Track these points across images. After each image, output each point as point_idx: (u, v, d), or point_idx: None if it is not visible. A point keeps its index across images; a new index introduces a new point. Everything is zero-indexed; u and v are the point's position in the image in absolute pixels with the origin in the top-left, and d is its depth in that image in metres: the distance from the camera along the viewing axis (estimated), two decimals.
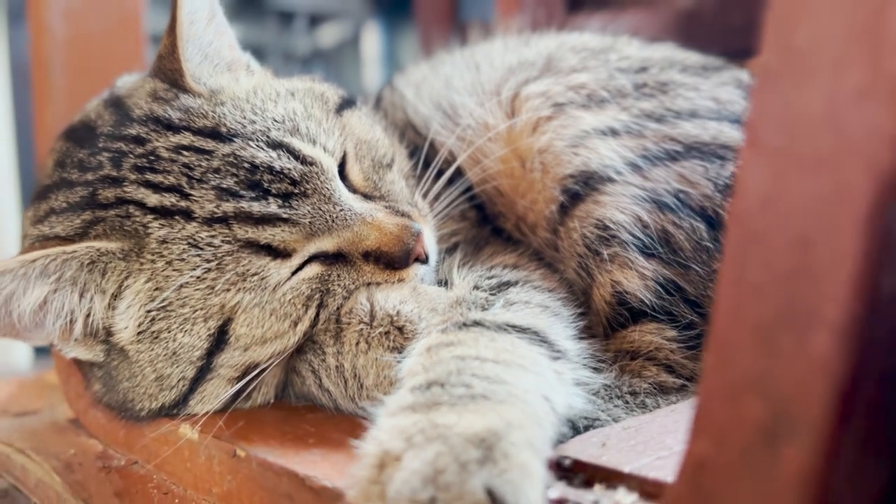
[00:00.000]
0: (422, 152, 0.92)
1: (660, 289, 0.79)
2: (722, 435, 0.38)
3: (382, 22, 3.34)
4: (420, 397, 0.57)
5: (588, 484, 0.56)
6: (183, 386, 0.75)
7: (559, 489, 0.54)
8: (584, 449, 0.60)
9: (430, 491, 0.47)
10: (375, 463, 0.51)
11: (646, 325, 0.80)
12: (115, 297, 0.75)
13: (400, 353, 0.71)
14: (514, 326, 0.68)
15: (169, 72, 0.80)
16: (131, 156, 0.75)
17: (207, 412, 0.76)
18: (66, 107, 0.95)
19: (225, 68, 0.83)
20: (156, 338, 0.74)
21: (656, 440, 0.61)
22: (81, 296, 0.74)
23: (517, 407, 0.55)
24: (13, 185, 2.27)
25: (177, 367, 0.74)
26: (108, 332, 0.76)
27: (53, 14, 0.95)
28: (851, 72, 0.34)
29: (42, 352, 2.33)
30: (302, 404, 0.80)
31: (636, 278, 0.80)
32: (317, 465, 0.64)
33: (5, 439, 0.91)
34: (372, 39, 3.32)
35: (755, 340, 0.37)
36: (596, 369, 0.73)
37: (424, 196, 0.88)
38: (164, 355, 0.74)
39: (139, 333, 0.74)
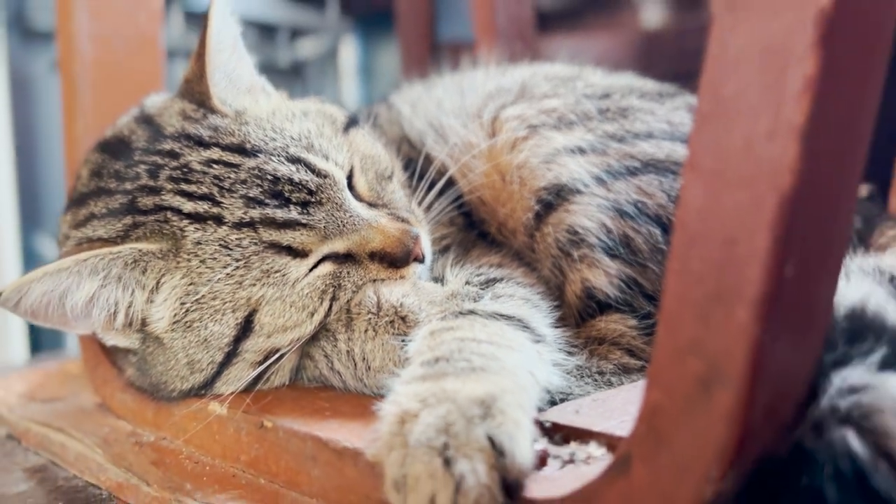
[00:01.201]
0: (417, 164, 1.04)
1: (622, 284, 0.92)
2: (670, 386, 0.51)
3: (360, 37, 3.46)
4: (429, 370, 0.69)
5: (565, 441, 0.68)
6: (212, 369, 0.86)
7: (542, 443, 0.66)
8: (561, 415, 0.72)
9: (444, 438, 0.59)
10: (396, 420, 0.63)
11: (611, 316, 0.93)
12: (153, 291, 0.85)
13: (403, 339, 0.83)
14: (501, 315, 0.81)
15: (197, 94, 0.91)
16: (167, 168, 0.86)
17: (232, 393, 0.87)
18: (94, 121, 1.05)
19: (246, 91, 0.95)
20: (189, 327, 0.85)
21: (621, 408, 0.74)
22: (124, 290, 0.85)
23: (509, 378, 0.67)
24: (12, 192, 2.34)
25: (207, 352, 0.85)
26: (145, 323, 0.87)
27: (82, 38, 1.05)
28: (762, 118, 0.46)
29: (37, 349, 2.40)
30: (314, 386, 0.91)
31: (602, 276, 0.92)
32: (336, 431, 0.75)
33: (41, 420, 1.00)
34: (349, 53, 3.44)
35: (694, 315, 0.49)
36: (569, 353, 0.85)
37: (419, 204, 1.00)
38: (196, 342, 0.85)
39: (174, 323, 0.85)
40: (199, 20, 2.71)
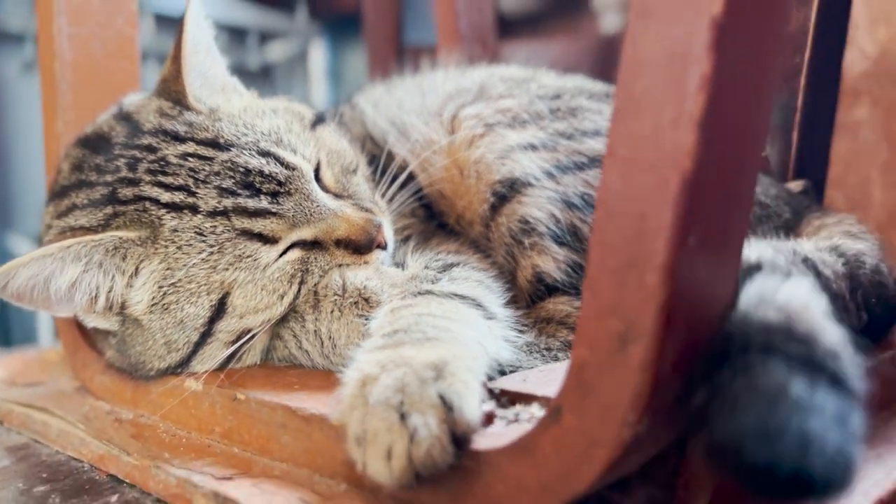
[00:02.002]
0: (380, 161, 1.12)
1: (569, 269, 1.00)
2: (594, 343, 0.58)
3: (328, 41, 3.53)
4: (388, 340, 0.76)
5: (511, 403, 0.76)
6: (188, 348, 0.92)
7: (490, 406, 0.74)
8: (509, 383, 0.79)
9: (400, 397, 0.66)
10: (358, 384, 0.70)
11: (558, 298, 1.00)
12: (132, 276, 0.91)
13: (366, 318, 0.90)
14: (457, 295, 0.88)
15: (174, 93, 0.98)
16: (145, 161, 0.92)
17: (206, 371, 0.93)
18: (73, 118, 1.11)
19: (219, 90, 1.01)
20: (166, 309, 0.91)
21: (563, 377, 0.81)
22: (105, 275, 0.91)
23: (460, 346, 0.75)
24: None
25: (183, 332, 0.91)
26: (125, 306, 0.93)
27: (61, 39, 1.10)
28: (667, 110, 0.54)
29: (8, 343, 2.43)
30: (284, 365, 0.98)
31: (551, 262, 1.00)
32: (304, 401, 0.82)
33: (23, 402, 1.06)
34: (318, 57, 3.51)
35: (612, 281, 0.57)
36: (520, 331, 0.93)
37: (383, 196, 1.07)
38: (173, 323, 0.91)
39: (152, 305, 0.91)
40: (169, 24, 2.76)
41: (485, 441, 0.67)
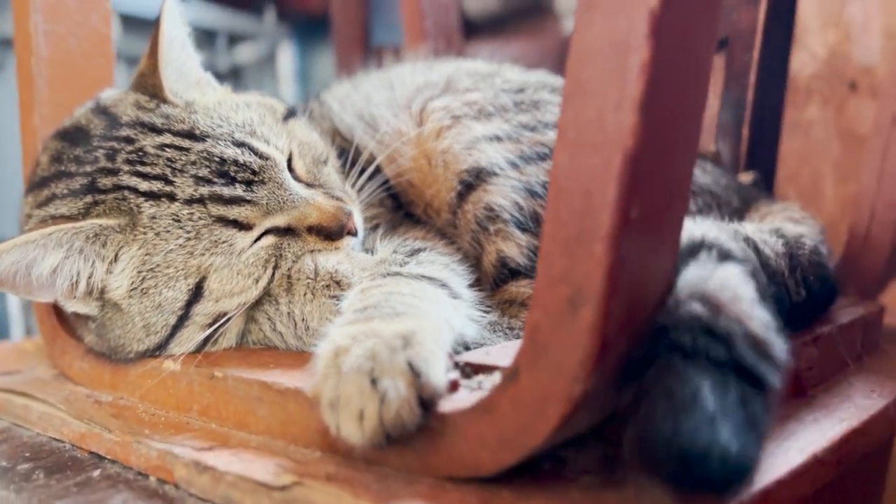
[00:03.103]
0: (348, 154, 1.16)
1: (531, 254, 1.05)
2: (547, 308, 0.64)
3: (296, 42, 3.57)
4: (359, 315, 0.81)
5: (475, 373, 0.81)
6: (166, 331, 0.96)
7: (455, 375, 0.79)
8: (473, 356, 0.84)
9: (371, 364, 0.70)
10: (331, 355, 0.74)
11: (521, 281, 1.06)
12: (112, 262, 0.95)
13: (337, 300, 0.94)
14: (424, 276, 0.93)
15: (150, 87, 1.02)
16: (124, 152, 0.96)
17: (183, 353, 0.97)
18: (50, 112, 1.14)
19: (195, 84, 1.05)
20: (145, 293, 0.95)
21: None
22: (85, 262, 0.94)
23: (427, 320, 0.79)
24: None
25: (161, 316, 0.95)
26: (105, 291, 0.96)
27: (38, 36, 1.14)
28: (610, 95, 0.60)
29: None
30: (258, 347, 1.02)
31: (514, 247, 1.06)
32: (279, 377, 0.86)
33: (3, 387, 1.09)
34: (286, 58, 3.55)
35: (563, 250, 0.62)
36: (484, 311, 0.98)
37: (352, 187, 1.12)
38: (152, 307, 0.95)
39: (131, 290, 0.95)
40: (136, 24, 2.77)
41: (449, 405, 0.72)
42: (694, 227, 0.82)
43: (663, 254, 0.68)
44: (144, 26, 2.38)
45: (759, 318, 0.69)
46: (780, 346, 0.68)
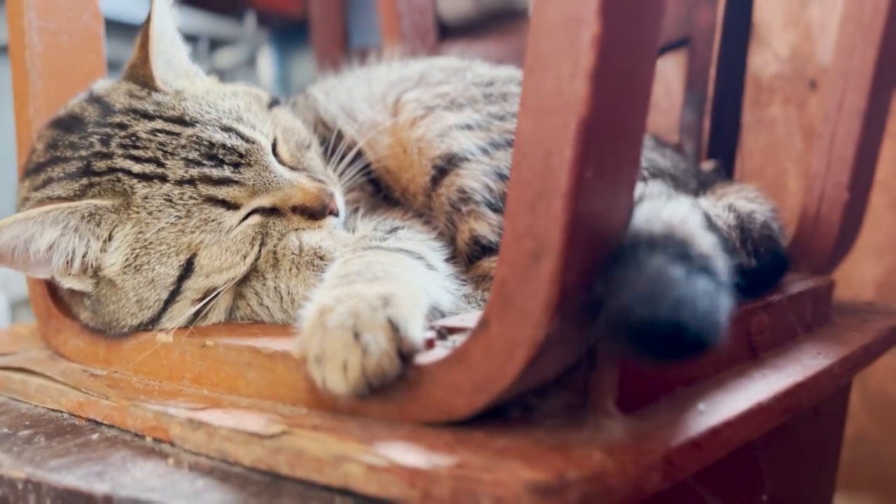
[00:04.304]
0: (330, 142, 1.23)
1: (501, 232, 1.12)
2: (512, 261, 0.70)
3: (276, 48, 3.64)
4: (342, 280, 0.87)
5: (450, 334, 0.87)
6: (158, 306, 1.02)
7: (430, 335, 0.85)
8: (448, 321, 0.90)
9: (353, 320, 0.76)
10: (317, 314, 0.80)
11: (492, 257, 1.12)
12: (106, 241, 1.00)
13: (321, 274, 1.00)
14: (402, 250, 0.99)
15: (142, 76, 1.08)
16: (117, 137, 1.02)
17: (175, 327, 1.03)
18: (44, 104, 1.20)
19: (184, 75, 1.12)
20: (138, 269, 1.00)
21: None
22: (80, 240, 1.00)
23: (405, 285, 0.86)
24: None
25: (154, 291, 1.01)
26: (99, 268, 1.02)
27: (32, 33, 1.19)
28: (565, 65, 0.67)
29: None
30: (246, 322, 1.08)
31: (486, 226, 1.12)
32: (267, 343, 0.92)
33: (0, 365, 1.13)
34: (266, 63, 3.61)
35: (526, 208, 0.69)
36: (459, 284, 1.05)
37: (334, 171, 1.19)
38: (145, 282, 1.01)
39: (125, 267, 1.01)
40: (114, 28, 2.81)
41: (425, 358, 0.78)
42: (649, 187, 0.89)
43: (617, 209, 0.75)
44: (120, 29, 2.43)
45: (706, 238, 0.76)
46: (725, 261, 0.75)
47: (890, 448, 2.16)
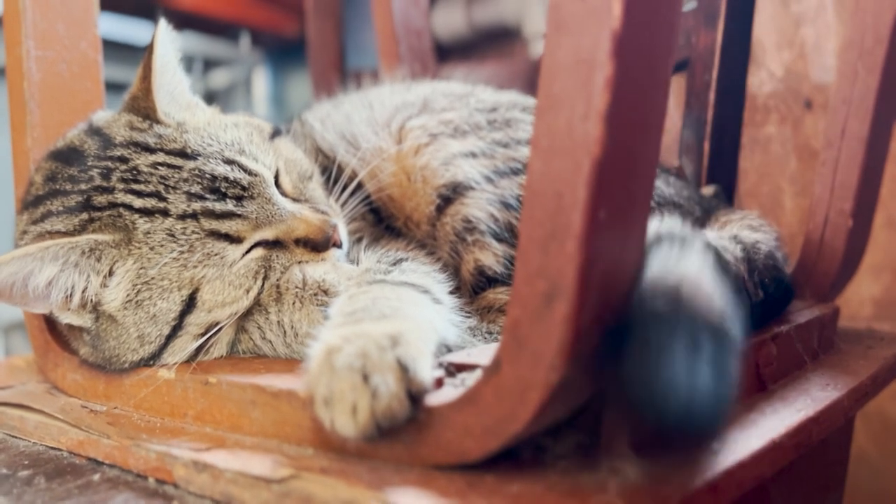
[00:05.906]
0: (331, 171, 1.22)
1: (507, 263, 1.11)
2: (525, 303, 0.69)
3: (270, 68, 3.64)
4: (349, 318, 0.86)
5: (458, 371, 0.86)
6: (160, 341, 1.00)
7: (440, 373, 0.84)
8: (455, 357, 0.89)
9: (362, 361, 0.75)
10: (324, 354, 0.79)
11: (497, 288, 1.12)
12: (106, 276, 0.99)
13: (325, 308, 0.99)
14: (407, 283, 0.98)
15: (143, 108, 1.06)
16: (118, 171, 1.01)
17: (176, 362, 1.01)
18: (42, 134, 1.18)
19: (185, 107, 1.10)
20: (140, 305, 0.99)
21: None
22: (80, 275, 0.98)
23: (413, 322, 0.85)
24: None
25: (155, 326, 0.99)
26: (99, 303, 1.00)
27: (30, 62, 1.18)
28: (578, 106, 0.66)
29: None
30: (248, 356, 1.06)
31: (491, 256, 1.12)
32: (271, 380, 0.90)
33: None
34: (261, 83, 3.61)
35: (539, 248, 0.68)
36: (465, 316, 1.04)
37: (336, 202, 1.18)
38: (146, 318, 0.99)
39: (127, 302, 0.99)
40: (111, 49, 2.80)
41: (436, 399, 0.77)
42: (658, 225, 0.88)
43: (630, 249, 0.74)
44: (116, 49, 2.43)
45: (718, 297, 0.75)
46: (737, 318, 0.74)
47: (890, 468, 2.15)
